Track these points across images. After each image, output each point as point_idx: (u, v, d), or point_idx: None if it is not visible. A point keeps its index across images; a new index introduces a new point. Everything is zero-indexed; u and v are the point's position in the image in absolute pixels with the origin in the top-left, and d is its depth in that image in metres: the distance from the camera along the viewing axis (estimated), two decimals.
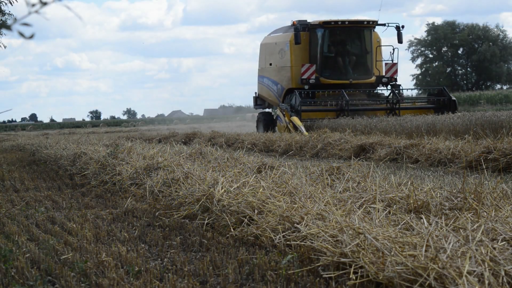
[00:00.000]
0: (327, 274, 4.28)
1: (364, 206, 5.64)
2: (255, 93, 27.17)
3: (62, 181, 10.68)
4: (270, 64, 25.78)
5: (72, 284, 4.41)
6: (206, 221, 6.27)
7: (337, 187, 6.68)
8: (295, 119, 21.20)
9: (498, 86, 79.10)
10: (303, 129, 20.38)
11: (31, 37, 2.43)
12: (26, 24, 2.45)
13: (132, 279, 4.48)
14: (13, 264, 4.89)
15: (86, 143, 16.86)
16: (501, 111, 20.74)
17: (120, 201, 8.04)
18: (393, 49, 24.33)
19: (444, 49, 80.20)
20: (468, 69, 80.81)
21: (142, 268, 4.70)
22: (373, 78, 24.16)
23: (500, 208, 5.26)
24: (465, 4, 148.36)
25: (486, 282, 3.61)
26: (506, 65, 78.39)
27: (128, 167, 9.85)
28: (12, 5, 20.09)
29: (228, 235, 5.74)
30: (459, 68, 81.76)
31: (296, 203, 5.80)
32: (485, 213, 5.12)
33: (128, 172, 9.56)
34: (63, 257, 5.15)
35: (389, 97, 23.78)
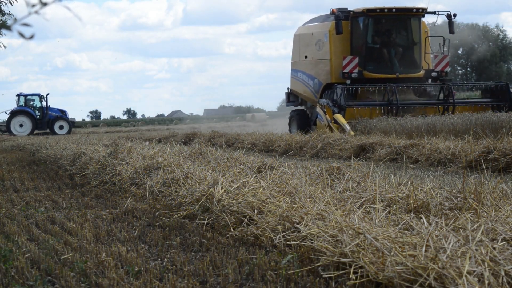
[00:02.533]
0: (327, 274, 4.28)
1: (364, 206, 5.64)
2: (288, 88, 24.87)
3: (62, 181, 10.68)
4: (306, 57, 23.38)
5: (72, 284, 4.41)
6: (206, 221, 6.27)
7: (337, 187, 6.68)
8: (339, 116, 19.15)
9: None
10: (347, 127, 18.44)
11: (31, 37, 2.44)
12: (26, 25, 2.45)
13: (132, 279, 4.49)
14: (13, 264, 4.89)
15: (86, 143, 16.86)
16: (501, 111, 20.72)
17: (120, 201, 8.04)
18: (444, 40, 22.02)
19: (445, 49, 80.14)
20: (468, 69, 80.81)
21: (142, 268, 4.70)
22: (422, 72, 21.84)
23: (500, 208, 5.26)
24: (465, 4, 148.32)
25: (486, 282, 3.61)
26: (506, 65, 78.40)
27: (128, 167, 9.85)
28: (12, 5, 20.10)
29: (228, 235, 5.74)
30: (459, 68, 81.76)
31: (296, 203, 5.80)
32: (485, 213, 5.12)
33: (128, 172, 9.56)
34: (63, 257, 5.15)
35: (441, 93, 21.27)
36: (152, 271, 4.60)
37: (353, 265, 4.17)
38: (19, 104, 44.72)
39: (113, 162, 10.67)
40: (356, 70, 21.22)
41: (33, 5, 2.42)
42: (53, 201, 8.48)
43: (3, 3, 20.10)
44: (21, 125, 43.84)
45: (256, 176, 7.39)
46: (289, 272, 4.40)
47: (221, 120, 73.04)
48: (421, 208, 5.59)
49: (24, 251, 5.34)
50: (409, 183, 6.35)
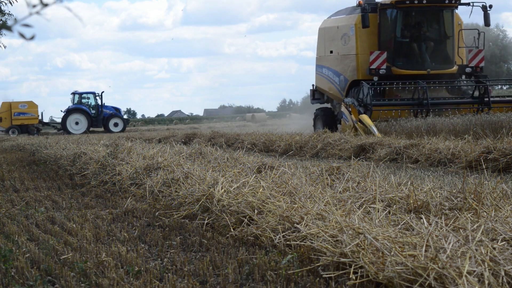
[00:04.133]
0: (327, 274, 4.28)
1: (364, 206, 5.64)
2: (313, 85, 23.36)
3: (62, 181, 10.68)
4: (331, 52, 21.97)
5: (72, 284, 4.42)
6: (206, 221, 6.27)
7: (337, 187, 6.68)
8: (365, 117, 17.80)
9: (498, 86, 79.12)
10: (374, 129, 17.11)
11: (32, 38, 2.44)
12: (26, 25, 2.45)
13: (132, 279, 4.49)
14: (13, 264, 4.89)
15: (86, 143, 16.86)
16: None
17: (120, 201, 8.04)
18: (478, 33, 20.46)
19: None
20: None
21: (142, 268, 4.70)
22: (455, 68, 20.32)
23: (500, 208, 5.26)
24: None
25: (486, 282, 3.61)
26: (506, 65, 78.39)
27: (128, 167, 9.85)
28: (12, 5, 20.10)
29: (228, 235, 5.74)
30: None
31: (296, 203, 5.80)
32: (485, 213, 5.13)
33: (128, 172, 9.56)
34: (63, 257, 5.15)
35: (475, 90, 19.93)
36: (152, 271, 4.60)
37: (353, 265, 4.18)
38: (74, 102, 45.06)
39: (113, 162, 10.67)
40: (384, 66, 19.84)
41: (34, 6, 2.42)
42: (53, 201, 8.48)
43: (3, 3, 20.11)
44: (76, 123, 44.17)
45: (256, 176, 7.39)
46: (289, 272, 4.40)
47: (221, 120, 73.07)
48: (421, 208, 5.59)
49: (24, 251, 5.34)
50: (409, 183, 6.35)
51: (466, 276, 3.63)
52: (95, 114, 44.72)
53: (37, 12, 2.42)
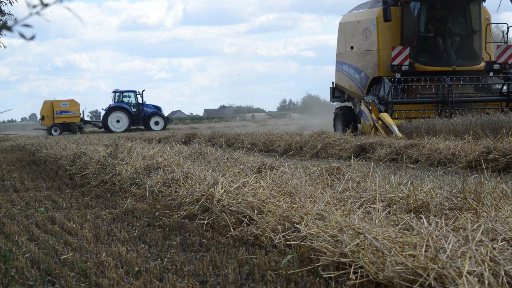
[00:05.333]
0: (327, 274, 4.28)
1: (364, 206, 5.64)
2: (333, 83, 22.38)
3: (62, 181, 10.68)
4: (352, 48, 20.98)
5: (72, 284, 4.42)
6: (206, 221, 6.27)
7: (337, 187, 6.68)
8: (385, 116, 16.97)
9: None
10: (395, 128, 16.32)
11: (32, 38, 2.44)
12: (27, 25, 2.45)
13: (132, 279, 4.49)
14: (13, 264, 4.89)
15: (86, 143, 16.86)
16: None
17: (120, 201, 8.04)
18: (508, 28, 19.65)
19: None
20: None
21: (142, 268, 4.70)
22: (482, 64, 19.33)
23: (500, 208, 5.26)
24: None
25: (486, 282, 3.61)
26: None
27: (128, 167, 9.85)
28: (12, 5, 20.10)
29: (228, 235, 5.74)
30: None
31: (296, 203, 5.80)
32: (485, 213, 5.13)
33: (128, 172, 9.56)
34: (63, 257, 5.15)
35: (503, 87, 18.93)
36: (152, 271, 4.60)
37: (353, 265, 4.18)
38: (115, 101, 45.24)
39: (113, 162, 10.67)
40: (406, 62, 18.82)
41: (34, 6, 2.42)
42: (53, 201, 8.48)
43: (3, 3, 20.11)
44: (118, 121, 44.37)
45: (256, 176, 7.39)
46: (289, 272, 4.40)
47: (221, 120, 73.09)
48: (421, 208, 5.59)
49: (24, 251, 5.34)
50: (409, 183, 6.35)
51: (466, 276, 3.63)
52: (135, 113, 44.95)
53: (37, 13, 2.42)
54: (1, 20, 20.27)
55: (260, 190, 6.45)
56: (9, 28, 2.45)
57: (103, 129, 44.90)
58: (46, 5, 2.42)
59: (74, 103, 46.01)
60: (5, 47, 22.68)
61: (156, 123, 45.14)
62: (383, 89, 18.23)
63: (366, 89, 19.83)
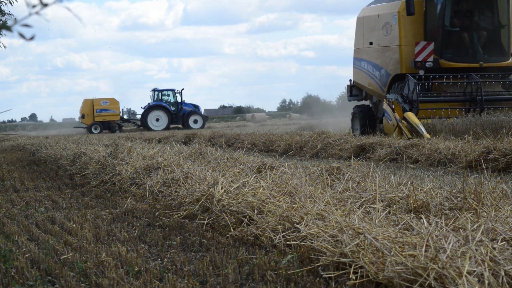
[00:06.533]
0: (327, 274, 4.28)
1: (364, 206, 5.64)
2: (350, 80, 21.31)
3: (62, 181, 10.68)
4: (371, 43, 19.92)
5: (72, 284, 4.41)
6: (206, 221, 6.27)
7: (337, 187, 6.68)
8: (411, 115, 15.86)
9: None
10: (422, 128, 15.20)
11: (32, 38, 2.44)
12: (26, 25, 2.45)
13: (132, 279, 4.49)
14: (13, 264, 4.89)
15: (86, 143, 16.86)
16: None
17: (120, 201, 8.04)
18: None
19: None
20: None
21: (142, 268, 4.70)
22: (511, 60, 18.29)
23: (500, 208, 5.26)
24: None
25: (486, 282, 3.61)
26: None
27: (128, 167, 9.85)
28: (12, 5, 20.10)
29: (228, 235, 5.74)
30: None
31: (296, 203, 5.80)
32: (485, 213, 5.13)
33: (128, 172, 9.56)
34: (63, 257, 5.15)
35: None
36: (152, 271, 4.60)
37: (353, 265, 4.18)
38: (154, 99, 45.41)
39: (113, 162, 10.67)
40: (431, 58, 17.76)
41: (34, 6, 2.42)
42: (53, 201, 8.48)
43: (3, 3, 20.12)
44: (157, 119, 44.52)
45: (256, 176, 7.39)
46: (289, 272, 4.40)
47: (221, 120, 73.09)
48: (421, 208, 5.59)
49: (24, 251, 5.34)
50: (409, 183, 6.35)
51: (466, 276, 3.63)
52: (174, 111, 45.10)
53: (37, 13, 2.42)
54: (1, 20, 20.27)
55: (260, 190, 6.44)
56: (9, 28, 2.45)
57: (141, 128, 45.03)
58: (45, 5, 2.42)
59: (114, 102, 46.25)
60: (5, 47, 22.69)
61: (195, 121, 45.37)
62: (408, 87, 17.15)
63: (387, 87, 18.84)
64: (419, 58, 17.81)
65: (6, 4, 19.86)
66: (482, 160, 10.44)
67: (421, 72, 17.67)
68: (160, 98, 45.70)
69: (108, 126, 45.44)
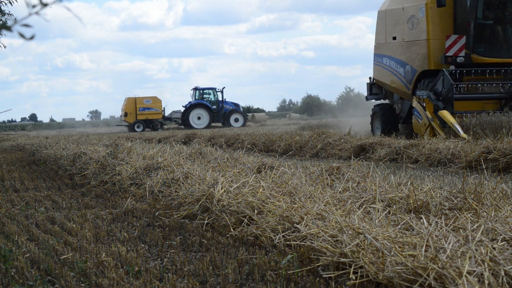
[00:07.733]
0: (327, 274, 4.28)
1: (364, 206, 5.64)
2: (370, 78, 20.24)
3: (62, 181, 10.68)
4: (394, 38, 18.75)
5: (72, 284, 4.41)
6: (206, 221, 6.27)
7: (337, 187, 6.68)
8: (445, 114, 14.81)
9: None
10: (458, 128, 14.26)
11: (32, 38, 2.44)
12: (26, 25, 2.45)
13: (132, 279, 4.49)
14: (13, 264, 4.89)
15: (86, 143, 16.86)
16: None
17: (120, 201, 8.04)
18: None
19: None
20: None
21: (142, 268, 4.70)
22: None
23: (500, 208, 5.26)
24: None
25: (486, 282, 3.61)
26: None
27: (128, 167, 9.85)
28: (12, 5, 20.11)
29: (228, 235, 5.74)
30: None
31: (296, 203, 5.80)
32: (485, 213, 5.13)
33: (128, 172, 9.56)
34: (63, 257, 5.15)
35: None
36: (152, 271, 4.60)
37: (353, 265, 4.17)
38: (195, 98, 45.57)
39: (113, 162, 10.67)
40: (462, 53, 16.67)
41: (34, 6, 2.42)
42: (53, 201, 8.48)
43: (3, 3, 20.12)
44: (198, 118, 44.67)
45: (256, 176, 7.39)
46: (289, 272, 4.40)
47: None
48: (421, 208, 5.59)
49: (24, 251, 5.34)
50: (409, 183, 6.35)
51: (466, 276, 3.63)
52: (216, 110, 45.24)
53: (37, 12, 2.42)
54: (1, 20, 20.27)
55: (260, 190, 6.45)
56: (8, 28, 2.45)
57: (182, 126, 45.14)
58: (45, 5, 2.42)
59: (156, 100, 46.40)
60: (5, 47, 22.70)
61: (236, 120, 45.55)
62: (442, 83, 16.00)
63: (413, 85, 17.76)
64: (450, 53, 16.77)
65: (6, 4, 19.87)
66: (482, 160, 10.44)
67: (452, 67, 16.72)
68: (201, 96, 45.85)
69: (150, 124, 45.63)
